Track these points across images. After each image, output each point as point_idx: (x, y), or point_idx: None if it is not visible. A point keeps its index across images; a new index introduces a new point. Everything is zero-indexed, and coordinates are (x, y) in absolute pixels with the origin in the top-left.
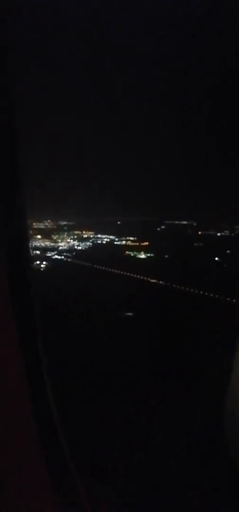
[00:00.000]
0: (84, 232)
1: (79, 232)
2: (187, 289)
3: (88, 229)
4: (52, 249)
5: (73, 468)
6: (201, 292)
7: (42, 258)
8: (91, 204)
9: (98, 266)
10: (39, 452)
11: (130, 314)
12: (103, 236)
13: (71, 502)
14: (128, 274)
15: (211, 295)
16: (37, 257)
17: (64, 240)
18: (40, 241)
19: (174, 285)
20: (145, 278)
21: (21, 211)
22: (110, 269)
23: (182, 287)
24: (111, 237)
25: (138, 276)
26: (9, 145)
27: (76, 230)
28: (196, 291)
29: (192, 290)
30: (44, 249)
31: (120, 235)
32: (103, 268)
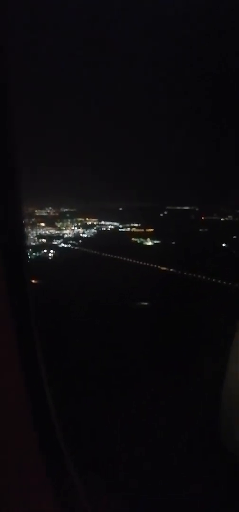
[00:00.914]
0: (87, 219)
1: (83, 219)
2: (198, 276)
3: (91, 216)
4: (58, 237)
5: (73, 468)
6: (213, 280)
7: (48, 246)
8: (92, 191)
9: (106, 254)
10: (39, 452)
11: (145, 303)
12: (107, 223)
13: (70, 502)
14: (137, 262)
15: (224, 282)
16: (44, 246)
17: (69, 228)
18: (44, 229)
19: (185, 273)
20: (155, 266)
21: (18, 209)
22: (118, 257)
23: (194, 275)
24: (115, 224)
25: (148, 264)
26: (4, 140)
27: (78, 217)
28: (208, 278)
29: (204, 277)
30: (50, 237)
31: (123, 221)
32: (112, 256)
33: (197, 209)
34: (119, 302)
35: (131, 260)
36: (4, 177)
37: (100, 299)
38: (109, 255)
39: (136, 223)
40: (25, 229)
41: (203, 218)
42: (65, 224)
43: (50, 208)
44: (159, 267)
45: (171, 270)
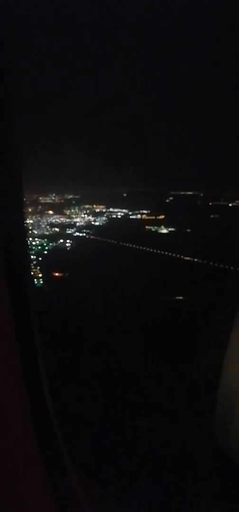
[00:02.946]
0: (94, 206)
1: (90, 206)
2: (226, 267)
3: (97, 202)
4: (70, 225)
5: (72, 469)
6: None
7: (63, 236)
8: (95, 177)
9: (124, 244)
10: (39, 452)
11: (181, 297)
12: (116, 210)
13: (70, 503)
14: (158, 251)
15: None
16: (58, 235)
17: (79, 216)
18: (53, 217)
19: (210, 263)
20: (177, 255)
21: (19, 204)
22: (137, 247)
23: (221, 265)
24: (124, 210)
25: (170, 254)
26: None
27: (85, 204)
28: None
29: (232, 268)
30: (62, 226)
31: (131, 208)
32: (130, 245)
33: (201, 194)
34: (163, 297)
35: (153, 250)
36: (4, 177)
37: (139, 296)
38: (127, 244)
39: (144, 209)
40: (25, 220)
41: (210, 204)
42: (74, 211)
43: (54, 194)
44: (182, 257)
45: (195, 260)
